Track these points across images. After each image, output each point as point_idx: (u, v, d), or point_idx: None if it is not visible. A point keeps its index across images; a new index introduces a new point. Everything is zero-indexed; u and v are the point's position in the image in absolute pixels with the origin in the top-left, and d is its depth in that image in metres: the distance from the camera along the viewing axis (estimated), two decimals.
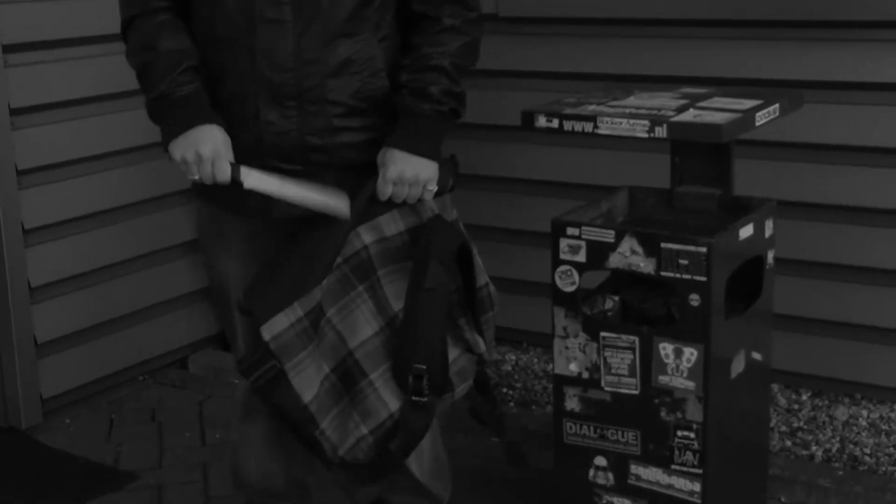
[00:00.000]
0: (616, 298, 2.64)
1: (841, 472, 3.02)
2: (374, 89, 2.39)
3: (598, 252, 2.54)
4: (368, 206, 2.33)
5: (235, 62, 2.35)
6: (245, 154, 2.37)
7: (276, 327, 2.25)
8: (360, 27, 2.37)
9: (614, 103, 2.66)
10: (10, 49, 3.22)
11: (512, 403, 3.50)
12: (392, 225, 2.39)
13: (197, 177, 2.31)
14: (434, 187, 2.38)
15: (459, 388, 2.42)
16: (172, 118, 2.35)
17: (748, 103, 2.59)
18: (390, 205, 2.37)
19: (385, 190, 2.35)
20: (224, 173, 2.30)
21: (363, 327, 2.35)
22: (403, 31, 2.45)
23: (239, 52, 2.34)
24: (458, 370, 2.42)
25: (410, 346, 2.32)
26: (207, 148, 2.30)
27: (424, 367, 2.32)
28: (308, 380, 2.29)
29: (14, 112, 3.27)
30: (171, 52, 2.35)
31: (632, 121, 2.50)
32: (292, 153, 2.37)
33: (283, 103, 2.35)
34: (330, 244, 2.32)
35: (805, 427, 3.23)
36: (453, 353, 2.41)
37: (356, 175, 2.39)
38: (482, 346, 2.44)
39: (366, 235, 2.36)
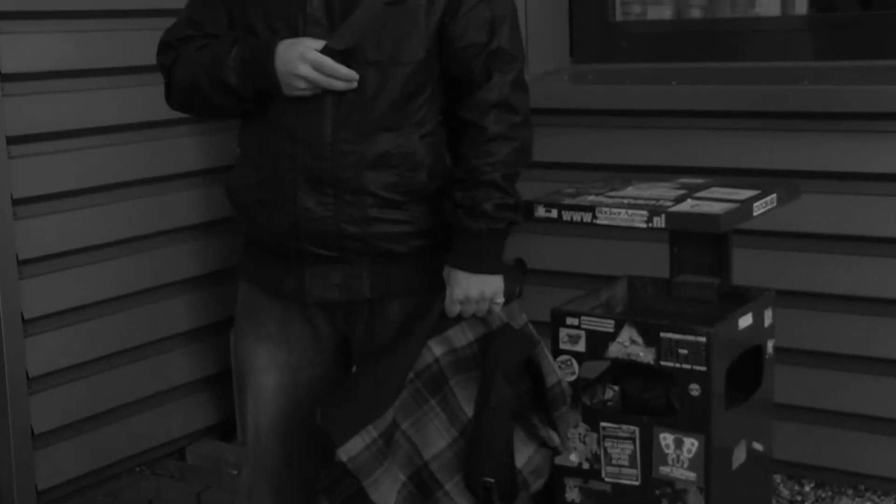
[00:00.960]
0: (616, 388, 2.63)
1: None
2: (412, 184, 2.40)
3: (598, 342, 2.53)
4: (438, 322, 2.39)
5: (277, 143, 2.38)
6: (281, 237, 2.40)
7: (352, 450, 2.32)
8: (401, 122, 2.38)
9: (613, 193, 2.67)
10: (13, 140, 3.25)
11: None
12: (461, 336, 2.44)
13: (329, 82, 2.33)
14: (501, 300, 2.42)
15: (535, 486, 2.48)
16: (254, 75, 2.37)
17: (745, 193, 2.60)
18: (459, 317, 2.41)
19: (453, 309, 2.40)
20: (335, 69, 2.32)
21: (436, 440, 2.41)
22: (449, 131, 2.47)
23: (281, 134, 2.37)
24: (534, 469, 2.47)
25: (478, 462, 2.39)
26: (302, 65, 2.32)
27: (493, 480, 2.39)
28: (386, 491, 2.37)
29: (16, 202, 3.29)
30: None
31: (630, 211, 2.51)
32: (328, 240, 2.39)
33: (320, 190, 2.37)
34: (402, 363, 2.38)
35: None
36: (528, 451, 2.47)
37: (392, 263, 2.41)
38: (556, 440, 2.47)
39: (436, 348, 2.41)
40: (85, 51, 3.41)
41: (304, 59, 2.32)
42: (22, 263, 3.32)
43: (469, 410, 2.40)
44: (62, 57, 3.35)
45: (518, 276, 2.46)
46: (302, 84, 2.33)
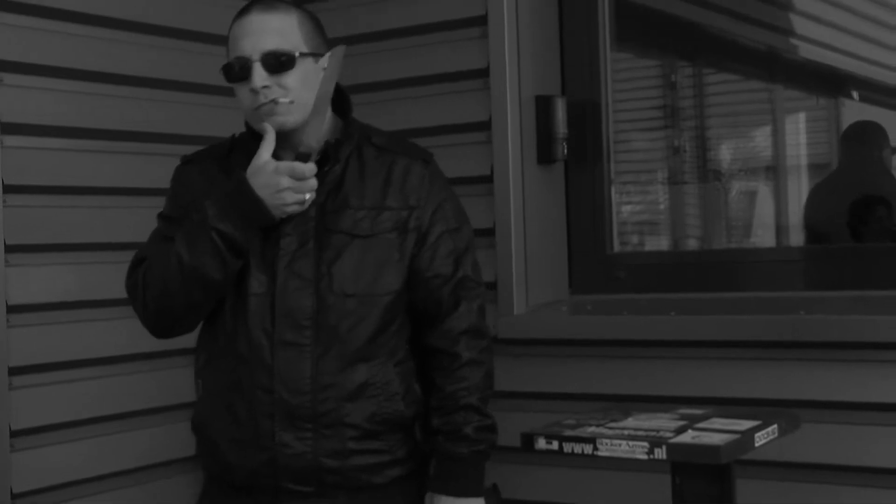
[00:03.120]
0: None
1: None
2: (389, 413, 2.42)
3: None
4: None
5: (254, 380, 2.39)
6: (257, 474, 2.38)
7: None
8: (377, 352, 2.42)
9: (613, 425, 2.66)
10: (15, 371, 3.26)
11: None
12: None
13: (308, 196, 2.42)
14: None
15: None
16: (243, 214, 2.42)
17: (746, 424, 2.59)
18: None
19: None
20: (306, 171, 2.42)
21: None
22: (419, 358, 2.50)
23: (258, 371, 2.39)
24: None
25: None
26: (282, 179, 2.40)
27: None
28: None
29: (14, 434, 3.27)
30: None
31: (631, 442, 2.50)
32: (306, 475, 2.38)
33: (298, 425, 2.38)
34: None
35: None
36: None
37: (369, 494, 2.40)
38: None
39: None
40: (88, 283, 3.45)
41: (278, 173, 2.38)
42: (16, 496, 3.27)
43: None
44: (65, 289, 3.40)
45: (496, 500, 2.46)
46: (290, 197, 2.38)
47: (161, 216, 2.65)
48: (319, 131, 2.45)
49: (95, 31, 3.46)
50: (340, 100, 2.61)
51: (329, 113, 2.58)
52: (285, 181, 2.36)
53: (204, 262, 2.39)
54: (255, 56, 2.46)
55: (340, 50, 2.58)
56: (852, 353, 3.14)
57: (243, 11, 2.55)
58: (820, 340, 3.18)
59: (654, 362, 3.42)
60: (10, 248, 3.23)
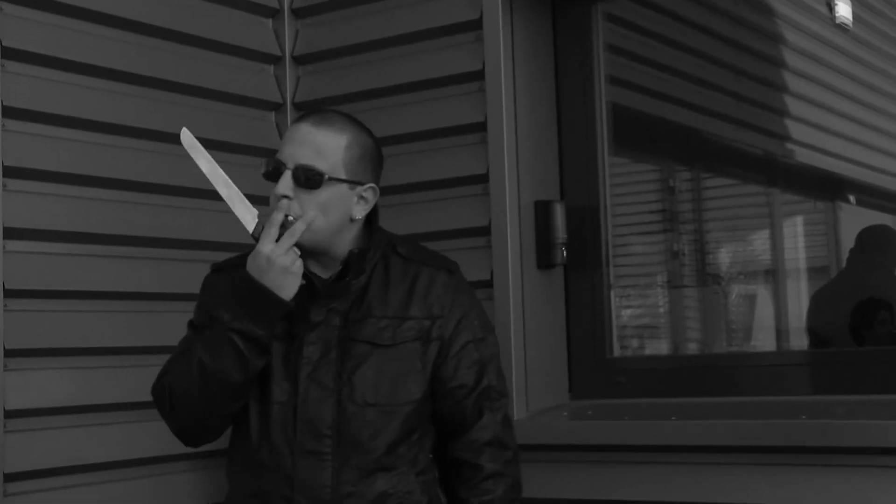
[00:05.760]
0: None
1: None
2: None
3: None
4: None
5: (276, 489, 2.38)
6: None
7: None
8: (397, 462, 2.41)
9: None
10: (10, 478, 3.23)
11: None
12: None
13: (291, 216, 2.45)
14: None
15: None
16: (242, 313, 2.43)
17: None
18: None
19: None
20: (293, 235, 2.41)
21: None
22: (443, 470, 2.48)
23: (279, 480, 2.38)
24: None
25: None
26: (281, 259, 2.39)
27: None
28: None
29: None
30: None
31: None
32: None
33: None
34: None
35: None
36: None
37: None
38: None
39: None
40: (86, 387, 3.43)
41: (274, 255, 2.40)
42: None
43: None
44: (64, 394, 3.38)
45: None
46: (295, 267, 2.39)
47: (190, 324, 2.65)
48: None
49: (99, 137, 3.50)
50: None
51: (358, 223, 2.59)
52: (287, 259, 2.37)
53: (225, 366, 2.39)
54: (290, 164, 2.48)
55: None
56: (856, 458, 3.11)
57: (302, 117, 2.59)
58: (823, 445, 3.15)
59: (656, 467, 3.40)
60: (9, 353, 3.23)
